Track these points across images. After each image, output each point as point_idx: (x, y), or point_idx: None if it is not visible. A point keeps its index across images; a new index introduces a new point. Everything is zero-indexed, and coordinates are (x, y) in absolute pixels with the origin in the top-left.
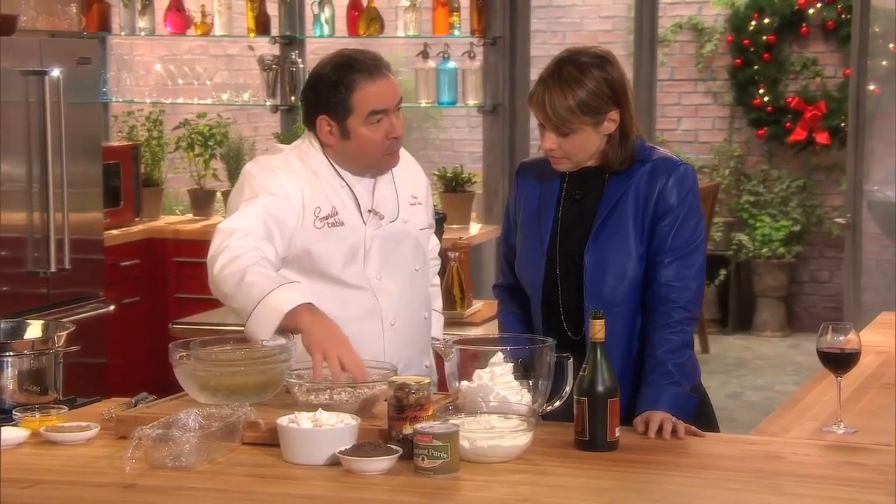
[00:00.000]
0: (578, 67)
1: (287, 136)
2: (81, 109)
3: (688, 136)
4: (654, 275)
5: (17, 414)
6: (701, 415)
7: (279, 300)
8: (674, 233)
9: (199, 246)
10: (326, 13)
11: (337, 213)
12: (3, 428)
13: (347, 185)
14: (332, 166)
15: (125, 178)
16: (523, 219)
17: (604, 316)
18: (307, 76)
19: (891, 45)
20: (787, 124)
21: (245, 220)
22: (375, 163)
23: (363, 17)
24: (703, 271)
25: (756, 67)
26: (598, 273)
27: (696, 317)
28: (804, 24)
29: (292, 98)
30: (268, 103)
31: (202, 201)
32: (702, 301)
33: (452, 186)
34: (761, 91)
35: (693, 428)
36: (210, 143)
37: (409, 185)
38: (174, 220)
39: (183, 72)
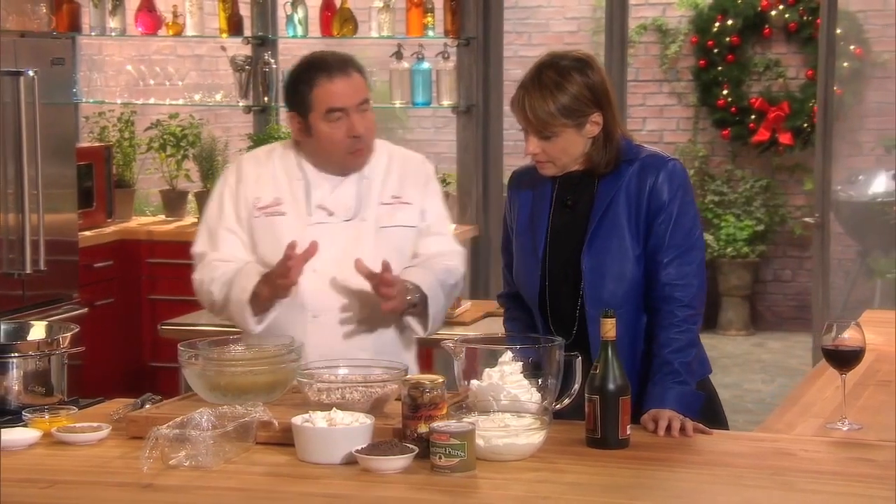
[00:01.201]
0: (559, 71)
1: (260, 137)
2: (55, 110)
3: (652, 136)
4: (656, 274)
5: (26, 415)
6: (710, 412)
7: (238, 294)
8: (670, 230)
9: (173, 247)
10: (299, 14)
11: (279, 205)
12: (15, 428)
13: (306, 179)
14: (298, 161)
15: (97, 179)
16: (517, 227)
17: (615, 315)
18: (281, 76)
19: (852, 47)
20: (751, 125)
21: (198, 245)
22: (340, 161)
23: (336, 18)
24: (703, 266)
25: (720, 68)
26: (597, 277)
27: (700, 312)
28: (767, 26)
29: (265, 99)
30: (240, 104)
31: (174, 202)
32: (704, 295)
33: None
34: (725, 92)
35: (700, 426)
36: (182, 143)
37: (393, 185)
38: (147, 222)
39: (154, 72)
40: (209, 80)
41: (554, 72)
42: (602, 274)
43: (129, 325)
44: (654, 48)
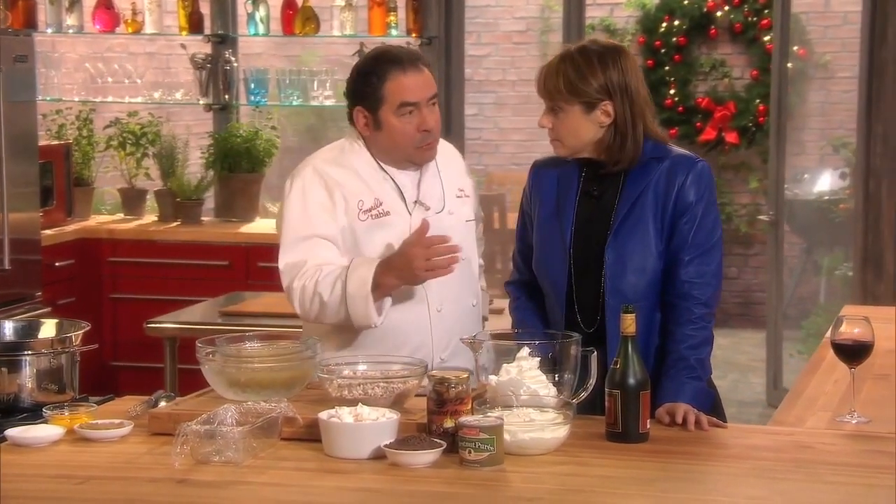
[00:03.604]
0: (581, 52)
1: (220, 136)
2: (19, 107)
3: None
4: (676, 272)
5: (47, 411)
6: (714, 408)
7: (357, 288)
8: (694, 230)
9: (134, 246)
10: (261, 12)
11: (381, 205)
12: (37, 425)
13: (391, 177)
14: (375, 160)
15: (57, 178)
16: (541, 216)
17: (635, 310)
18: (242, 74)
19: (795, 48)
20: (698, 124)
21: (289, 256)
22: (409, 156)
23: (298, 16)
24: (721, 266)
25: (667, 68)
26: (619, 269)
27: (714, 313)
28: (713, 27)
29: (226, 97)
30: (201, 102)
31: (133, 201)
32: (720, 296)
33: None
34: (672, 91)
35: (715, 419)
36: (142, 142)
37: (455, 178)
38: (106, 220)
39: (112, 70)
40: (170, 79)
41: (577, 51)
42: (624, 266)
43: (91, 324)
44: None
